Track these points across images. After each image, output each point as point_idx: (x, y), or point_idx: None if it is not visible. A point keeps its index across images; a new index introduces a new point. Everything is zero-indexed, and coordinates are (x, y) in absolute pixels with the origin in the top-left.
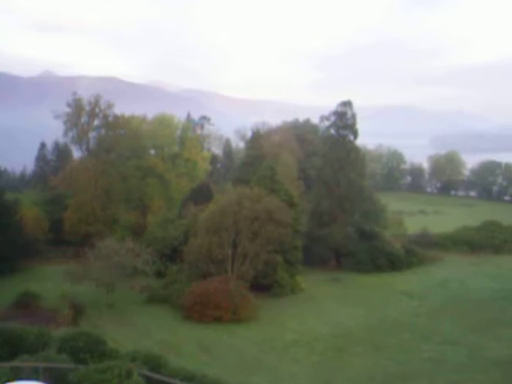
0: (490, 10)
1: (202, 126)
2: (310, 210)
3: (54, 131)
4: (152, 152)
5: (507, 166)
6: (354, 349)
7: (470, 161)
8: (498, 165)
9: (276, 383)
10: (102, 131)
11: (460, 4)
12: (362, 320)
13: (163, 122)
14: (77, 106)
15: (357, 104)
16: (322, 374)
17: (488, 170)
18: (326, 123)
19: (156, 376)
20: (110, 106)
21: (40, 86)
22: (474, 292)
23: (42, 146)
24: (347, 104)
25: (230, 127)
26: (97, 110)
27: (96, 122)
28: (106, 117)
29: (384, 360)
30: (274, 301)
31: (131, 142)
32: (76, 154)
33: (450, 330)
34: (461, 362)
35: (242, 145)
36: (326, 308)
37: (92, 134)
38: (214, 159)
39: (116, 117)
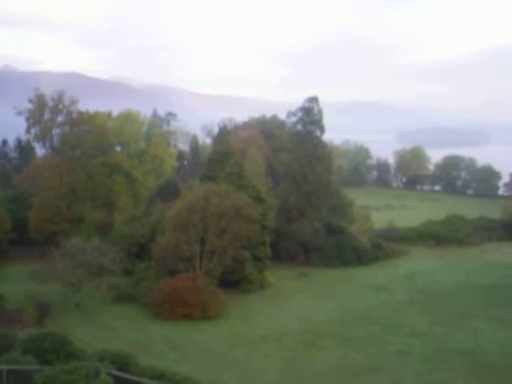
0: (455, 9)
1: (169, 122)
2: (278, 205)
3: (16, 128)
4: (118, 149)
5: (470, 160)
6: (323, 343)
7: (435, 155)
8: (461, 159)
9: (246, 379)
10: (66, 128)
11: (425, 2)
12: (331, 314)
13: (129, 118)
14: (39, 102)
15: (323, 100)
16: (292, 368)
17: (452, 164)
18: (293, 119)
19: (124, 375)
20: (73, 102)
21: (0, 82)
22: (440, 284)
23: (4, 143)
24: (313, 100)
25: (197, 123)
26: (60, 106)
27: (60, 119)
28: (69, 113)
29: (353, 353)
30: (243, 297)
31: (96, 139)
32: (39, 151)
33: (417, 322)
34: (428, 354)
35: (209, 141)
36: (295, 303)
37: (56, 131)
38: (180, 156)
39: (80, 113)
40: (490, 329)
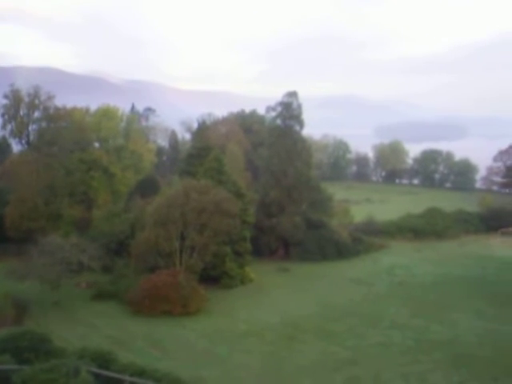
0: (435, 5)
1: (147, 118)
2: (258, 200)
3: None
4: (96, 144)
5: (448, 154)
6: (305, 337)
7: (413, 150)
8: (439, 153)
9: (227, 374)
10: (43, 124)
11: None
12: (312, 308)
13: (107, 113)
14: (15, 97)
15: (303, 95)
16: (274, 362)
17: (430, 158)
18: (273, 114)
19: (105, 373)
20: (50, 97)
21: None
22: (419, 277)
23: None
24: (293, 94)
25: (177, 119)
26: (36, 101)
27: (36, 115)
28: (46, 109)
29: (334, 346)
30: (224, 292)
31: (74, 135)
32: (16, 147)
33: (397, 314)
34: (407, 345)
35: (188, 136)
36: (276, 298)
37: (32, 127)
38: (159, 151)
39: (57, 109)
40: (468, 320)
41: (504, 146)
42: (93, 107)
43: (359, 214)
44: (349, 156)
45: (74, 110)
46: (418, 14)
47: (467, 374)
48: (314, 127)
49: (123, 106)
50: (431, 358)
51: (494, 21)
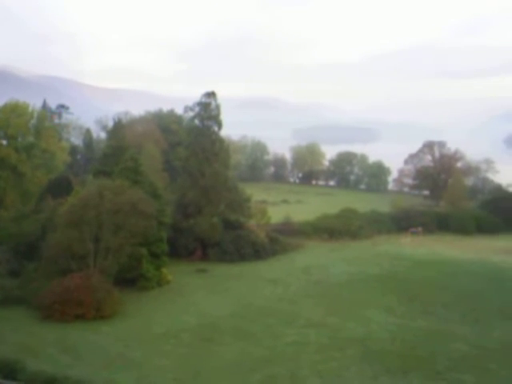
0: (355, 10)
1: (60, 115)
2: (176, 201)
3: None
4: (4, 142)
5: (362, 156)
6: (222, 338)
7: (329, 151)
8: (354, 155)
9: (143, 378)
10: None
11: (327, 4)
12: (229, 309)
13: (16, 110)
14: None
15: (222, 95)
16: (191, 365)
17: (345, 160)
18: (191, 114)
19: (10, 383)
20: None
21: None
22: (334, 276)
23: None
24: (211, 95)
25: (91, 117)
26: None
27: None
28: None
29: (251, 346)
30: (140, 294)
31: None
32: None
33: (313, 313)
34: (322, 343)
35: (103, 135)
36: (193, 299)
37: None
38: (73, 150)
39: None
40: (381, 317)
41: (414, 149)
42: (0, 103)
43: (276, 215)
44: (266, 157)
45: None
46: (337, 22)
47: (380, 369)
48: (233, 128)
49: (33, 102)
50: (346, 355)
51: (411, 31)
